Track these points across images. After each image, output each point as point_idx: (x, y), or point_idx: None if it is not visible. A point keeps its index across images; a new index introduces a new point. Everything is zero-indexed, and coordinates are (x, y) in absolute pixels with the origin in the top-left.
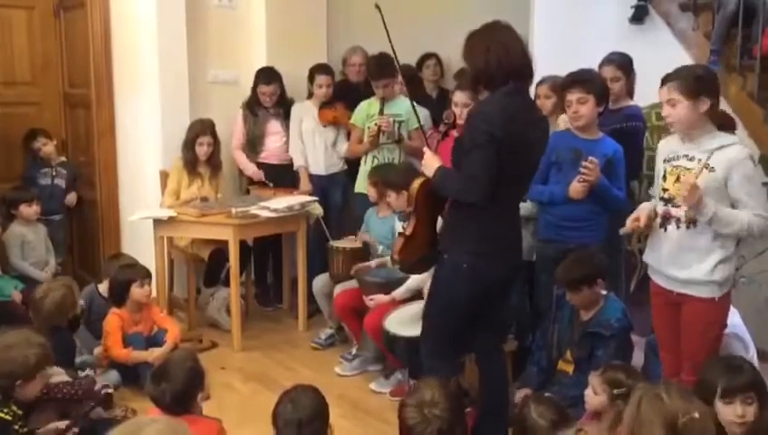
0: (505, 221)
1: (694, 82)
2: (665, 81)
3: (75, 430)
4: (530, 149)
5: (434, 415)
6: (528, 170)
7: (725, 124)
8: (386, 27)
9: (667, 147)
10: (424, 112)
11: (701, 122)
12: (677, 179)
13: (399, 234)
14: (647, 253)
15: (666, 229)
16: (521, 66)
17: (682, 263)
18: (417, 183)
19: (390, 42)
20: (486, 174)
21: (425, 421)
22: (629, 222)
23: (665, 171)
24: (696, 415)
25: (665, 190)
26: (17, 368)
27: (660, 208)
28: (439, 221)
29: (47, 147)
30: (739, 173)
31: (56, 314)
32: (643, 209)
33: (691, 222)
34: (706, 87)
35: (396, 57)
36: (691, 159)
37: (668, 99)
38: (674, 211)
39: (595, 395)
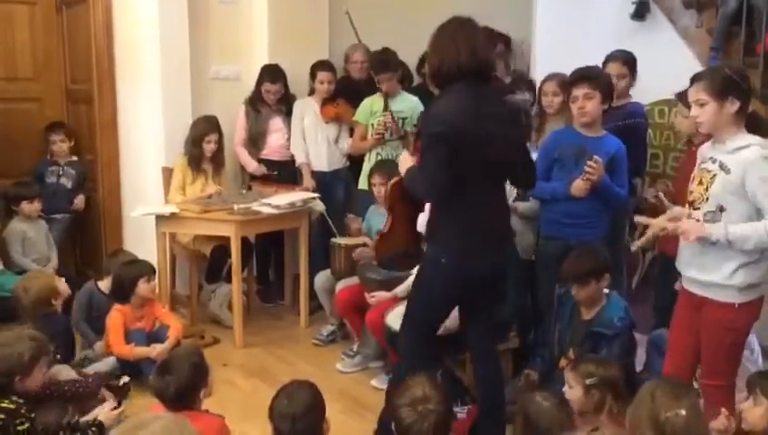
0: (482, 217)
1: (721, 83)
2: (694, 80)
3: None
4: (491, 143)
5: (428, 410)
6: (496, 164)
7: (761, 127)
8: (355, 31)
9: (703, 150)
10: (413, 101)
11: (730, 124)
12: (700, 182)
13: (378, 232)
14: (677, 257)
15: None
16: (473, 67)
17: (701, 265)
18: (391, 182)
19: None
20: (437, 172)
21: (421, 418)
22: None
23: (694, 174)
24: (683, 412)
25: (690, 193)
26: (14, 365)
27: (686, 210)
28: (421, 218)
29: (63, 143)
30: (753, 175)
31: (39, 302)
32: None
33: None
34: (736, 88)
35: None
36: (714, 162)
37: (696, 99)
38: (694, 213)
39: (570, 389)
